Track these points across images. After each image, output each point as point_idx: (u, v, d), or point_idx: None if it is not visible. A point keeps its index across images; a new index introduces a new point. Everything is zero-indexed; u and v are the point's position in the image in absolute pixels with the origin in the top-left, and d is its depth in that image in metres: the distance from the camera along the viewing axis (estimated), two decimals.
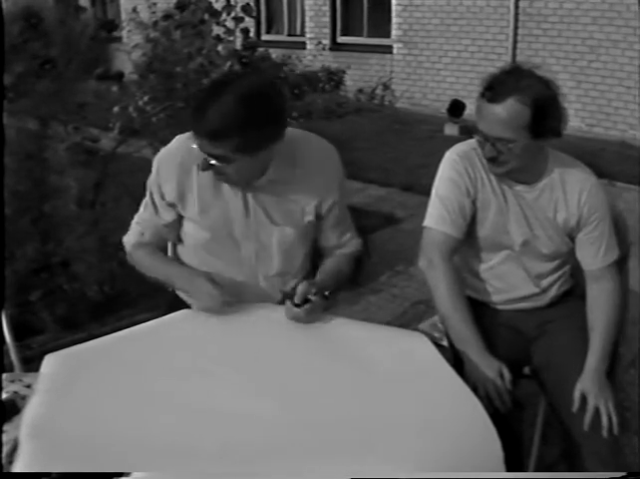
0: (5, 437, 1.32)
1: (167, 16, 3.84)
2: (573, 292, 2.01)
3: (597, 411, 1.69)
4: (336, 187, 1.82)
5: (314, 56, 9.49)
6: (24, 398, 1.44)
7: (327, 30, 9.90)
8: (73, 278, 3.03)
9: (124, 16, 10.48)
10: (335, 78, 9.41)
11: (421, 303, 3.45)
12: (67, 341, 2.24)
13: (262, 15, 10.50)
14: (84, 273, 3.05)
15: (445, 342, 1.96)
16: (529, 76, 1.73)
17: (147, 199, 1.84)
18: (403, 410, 1.35)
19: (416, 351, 1.57)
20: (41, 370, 1.44)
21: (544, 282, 1.94)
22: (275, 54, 7.81)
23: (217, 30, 3.81)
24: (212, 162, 1.62)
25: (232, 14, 3.81)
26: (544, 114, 1.69)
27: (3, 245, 1.96)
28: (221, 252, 1.80)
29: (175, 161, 1.76)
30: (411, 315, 3.40)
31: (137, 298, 3.07)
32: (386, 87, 9.23)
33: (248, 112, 1.55)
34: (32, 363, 1.69)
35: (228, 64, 3.88)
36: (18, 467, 1.16)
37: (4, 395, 1.47)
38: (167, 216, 1.82)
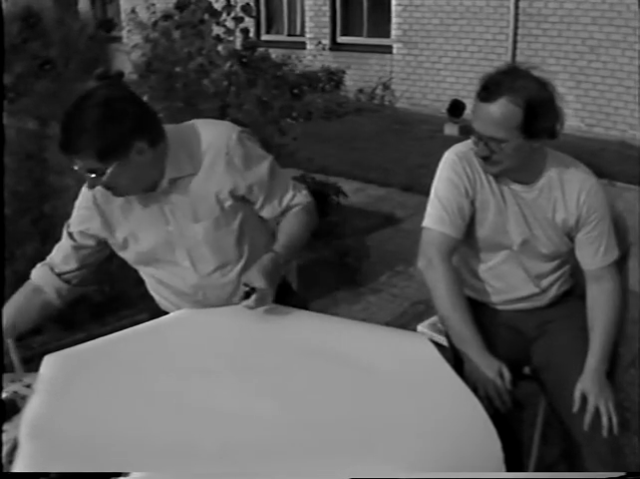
0: (5, 437, 1.32)
1: (167, 16, 3.84)
2: (573, 292, 2.01)
3: (597, 411, 1.69)
4: (245, 167, 1.77)
5: (314, 56, 9.47)
6: (24, 398, 1.44)
7: (327, 30, 9.90)
8: None
9: (123, 16, 10.48)
10: (335, 78, 9.41)
11: (421, 303, 3.45)
12: (67, 341, 2.24)
13: (262, 15, 10.50)
14: None
15: (445, 342, 1.97)
16: (525, 76, 1.72)
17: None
18: (403, 410, 1.35)
19: (416, 352, 1.57)
20: (40, 370, 1.44)
21: (544, 282, 1.94)
22: (275, 54, 7.79)
23: (217, 30, 3.82)
24: (91, 176, 1.64)
25: (232, 14, 3.82)
26: (537, 115, 1.68)
27: (3, 245, 1.96)
28: (163, 264, 1.84)
29: (90, 200, 1.81)
30: (411, 315, 3.40)
31: (137, 299, 3.06)
32: (386, 87, 9.23)
33: (96, 120, 1.58)
34: (32, 363, 1.69)
35: (228, 64, 3.89)
36: (17, 467, 1.16)
37: (4, 395, 1.47)
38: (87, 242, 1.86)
